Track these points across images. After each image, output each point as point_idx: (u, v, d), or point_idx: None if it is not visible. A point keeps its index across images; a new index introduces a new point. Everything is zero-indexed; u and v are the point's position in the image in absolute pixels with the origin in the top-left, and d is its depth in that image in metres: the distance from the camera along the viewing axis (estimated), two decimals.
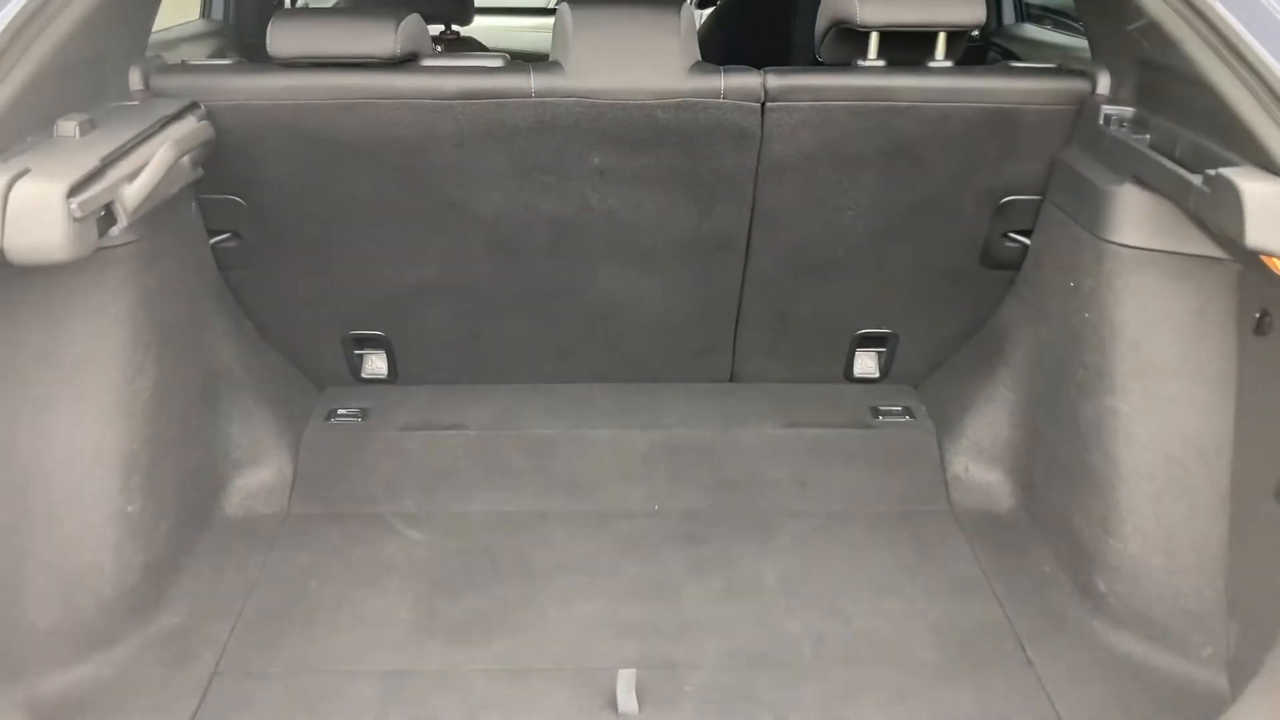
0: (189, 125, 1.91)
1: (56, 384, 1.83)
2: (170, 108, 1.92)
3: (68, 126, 1.69)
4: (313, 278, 2.35)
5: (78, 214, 1.50)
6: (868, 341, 2.55)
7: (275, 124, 2.05)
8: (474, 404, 2.53)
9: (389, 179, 2.14)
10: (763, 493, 2.34)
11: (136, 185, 1.65)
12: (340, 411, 2.51)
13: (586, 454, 2.41)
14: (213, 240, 2.24)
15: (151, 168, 1.67)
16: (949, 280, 2.39)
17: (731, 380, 2.63)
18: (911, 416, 2.51)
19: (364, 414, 2.50)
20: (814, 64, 2.22)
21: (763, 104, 2.06)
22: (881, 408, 2.54)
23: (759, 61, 2.18)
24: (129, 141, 1.71)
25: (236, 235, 2.26)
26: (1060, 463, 2.10)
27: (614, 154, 2.12)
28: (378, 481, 2.35)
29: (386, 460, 2.39)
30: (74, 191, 1.51)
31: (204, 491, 2.20)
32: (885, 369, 2.59)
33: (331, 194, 2.18)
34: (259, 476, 2.32)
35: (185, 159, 1.85)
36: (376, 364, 2.58)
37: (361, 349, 2.53)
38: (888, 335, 2.52)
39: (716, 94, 2.04)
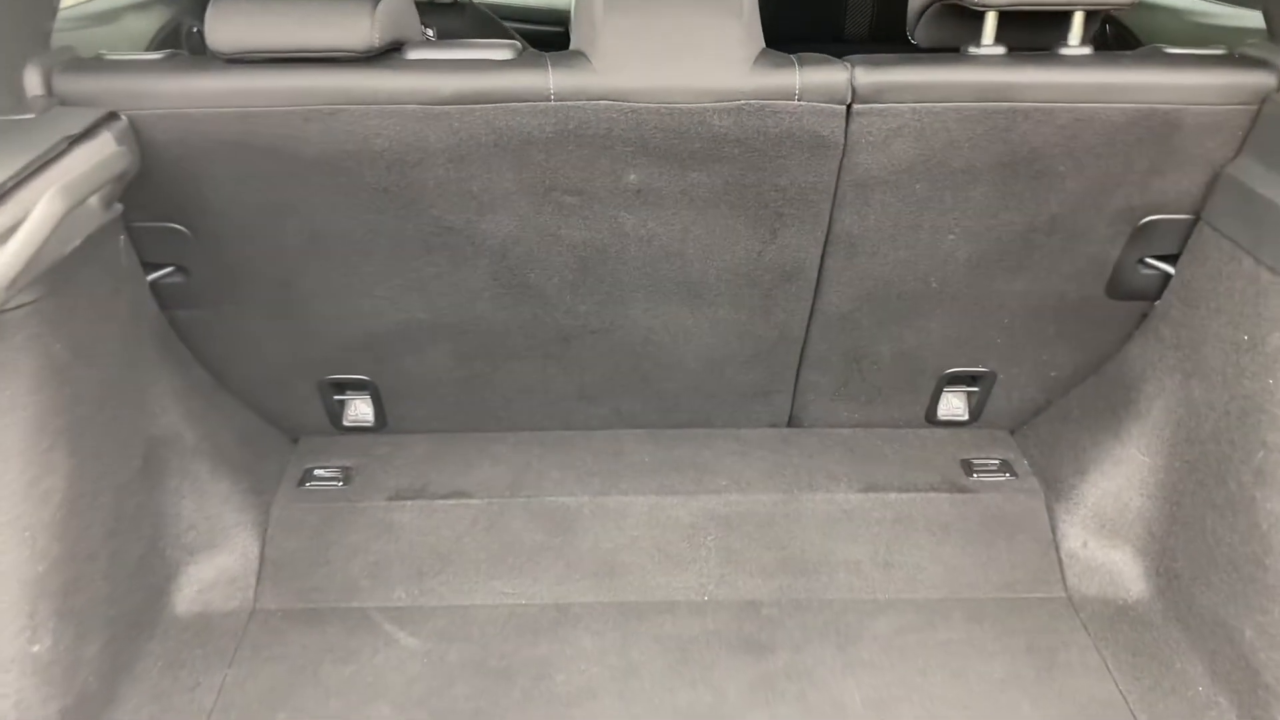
0: (100, 149, 1.44)
1: None
2: (78, 122, 1.45)
3: None
4: (278, 318, 1.90)
5: None
6: (957, 380, 2.10)
7: (220, 137, 1.59)
8: (478, 461, 2.09)
9: (367, 202, 1.69)
10: (837, 578, 1.91)
11: (8, 252, 1.19)
12: (318, 472, 2.07)
13: (617, 528, 1.97)
14: (151, 276, 1.79)
15: (29, 227, 1.21)
16: (1065, 312, 1.93)
17: (790, 425, 2.19)
18: (1012, 474, 2.06)
19: (346, 476, 2.06)
20: (876, 44, 1.75)
21: (849, 106, 1.60)
22: (975, 461, 2.10)
23: (806, 42, 1.71)
24: (6, 182, 1.26)
25: (181, 269, 1.81)
26: (1224, 558, 1.66)
27: (655, 170, 1.66)
28: (363, 566, 1.92)
29: (373, 539, 1.96)
30: None
31: (148, 592, 1.77)
32: (976, 411, 2.15)
33: (295, 220, 1.72)
34: (218, 564, 1.89)
35: (94, 199, 1.40)
36: (361, 410, 2.13)
37: (342, 394, 2.09)
38: (982, 375, 2.07)
39: (790, 94, 1.57)
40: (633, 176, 1.67)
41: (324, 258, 1.78)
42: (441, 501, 2.00)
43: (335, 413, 2.11)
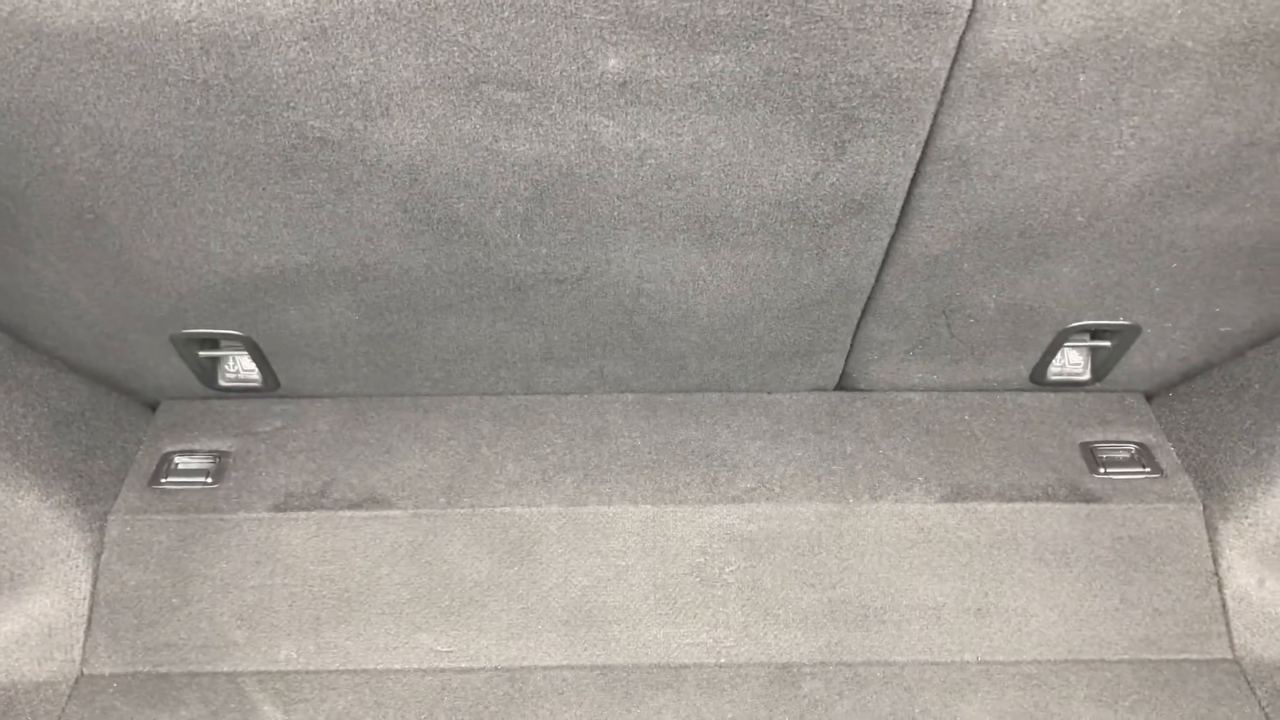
0: None
1: None
2: None
3: None
4: (86, 262, 1.27)
5: None
6: (1081, 335, 1.48)
7: None
8: (403, 445, 1.49)
9: (180, 102, 1.03)
10: (909, 631, 1.34)
11: None
12: (181, 462, 1.48)
13: (598, 553, 1.40)
14: None
15: None
16: (1265, 253, 1.29)
17: (841, 388, 1.57)
18: (1155, 469, 1.46)
19: (219, 467, 1.47)
20: None
21: None
22: (1100, 447, 1.50)
23: None
24: None
25: None
26: None
27: (651, 51, 0.99)
28: (235, 610, 1.36)
29: (252, 568, 1.38)
30: None
31: None
32: (1102, 370, 1.53)
33: (72, 129, 1.07)
34: (27, 612, 1.32)
35: None
36: (242, 367, 1.52)
37: (214, 348, 1.48)
38: (1120, 329, 1.44)
39: None
40: (613, 61, 1.01)
41: (133, 182, 1.14)
42: (349, 513, 1.41)
43: (205, 370, 1.50)
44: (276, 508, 1.42)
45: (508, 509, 1.42)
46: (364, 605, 1.36)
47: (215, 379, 1.52)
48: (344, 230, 1.22)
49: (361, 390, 1.54)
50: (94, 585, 1.36)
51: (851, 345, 1.47)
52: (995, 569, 1.38)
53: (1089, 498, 1.43)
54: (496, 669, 1.32)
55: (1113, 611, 1.36)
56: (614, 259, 1.27)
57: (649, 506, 1.42)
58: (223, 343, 1.47)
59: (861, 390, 1.56)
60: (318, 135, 1.08)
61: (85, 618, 1.34)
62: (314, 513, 1.41)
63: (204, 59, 0.99)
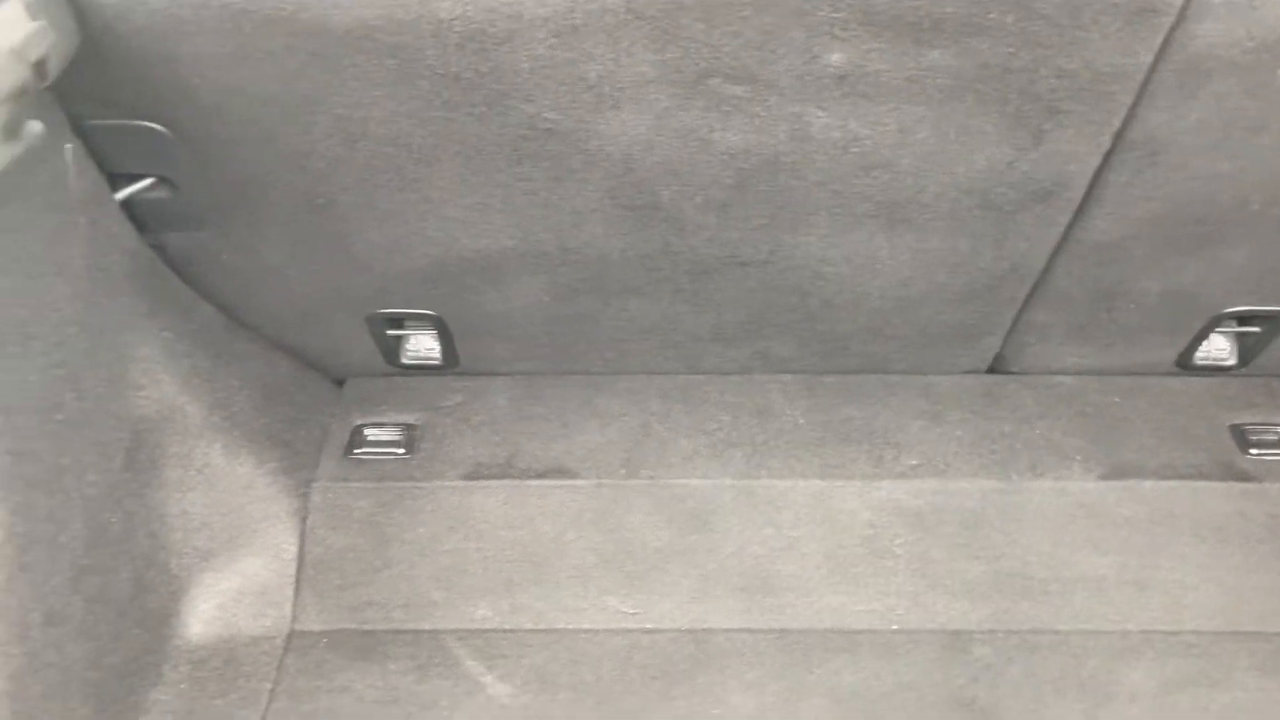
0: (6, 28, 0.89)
1: None
2: None
3: None
4: (310, 245, 1.36)
5: None
6: (1230, 321, 1.53)
7: (202, 2, 1.02)
8: (580, 419, 1.57)
9: (429, 94, 1.12)
10: (1073, 601, 1.41)
11: None
12: (372, 433, 1.57)
13: (771, 524, 1.47)
14: (122, 193, 1.25)
15: None
16: None
17: (993, 371, 1.64)
18: None
19: (409, 439, 1.56)
20: None
21: None
22: (1250, 429, 1.55)
23: None
24: None
25: (166, 181, 1.27)
26: None
27: (874, 46, 1.06)
28: (433, 572, 1.44)
29: (447, 533, 1.47)
30: None
31: (149, 623, 1.31)
32: (1248, 355, 1.58)
33: (323, 118, 1.16)
34: (242, 570, 1.42)
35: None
36: (424, 345, 1.61)
37: (399, 328, 1.57)
38: (1272, 315, 1.49)
39: None
40: (836, 56, 1.08)
41: (369, 169, 1.23)
42: (535, 482, 1.50)
43: (390, 348, 1.59)
44: (467, 476, 1.51)
45: (684, 481, 1.50)
46: (553, 569, 1.44)
47: (398, 356, 1.61)
48: (552, 216, 1.30)
49: (536, 368, 1.62)
50: (301, 548, 1.45)
51: (1010, 331, 1.54)
52: (1154, 544, 1.44)
53: (1243, 476, 1.48)
54: (681, 630, 1.40)
55: (1271, 586, 1.41)
56: (800, 243, 1.34)
57: (818, 481, 1.49)
58: (408, 322, 1.56)
59: (1013, 373, 1.63)
60: (547, 127, 1.16)
61: (293, 578, 1.44)
62: (503, 481, 1.50)
63: (459, 54, 1.08)
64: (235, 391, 1.44)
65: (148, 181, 1.26)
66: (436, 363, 1.62)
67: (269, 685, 1.35)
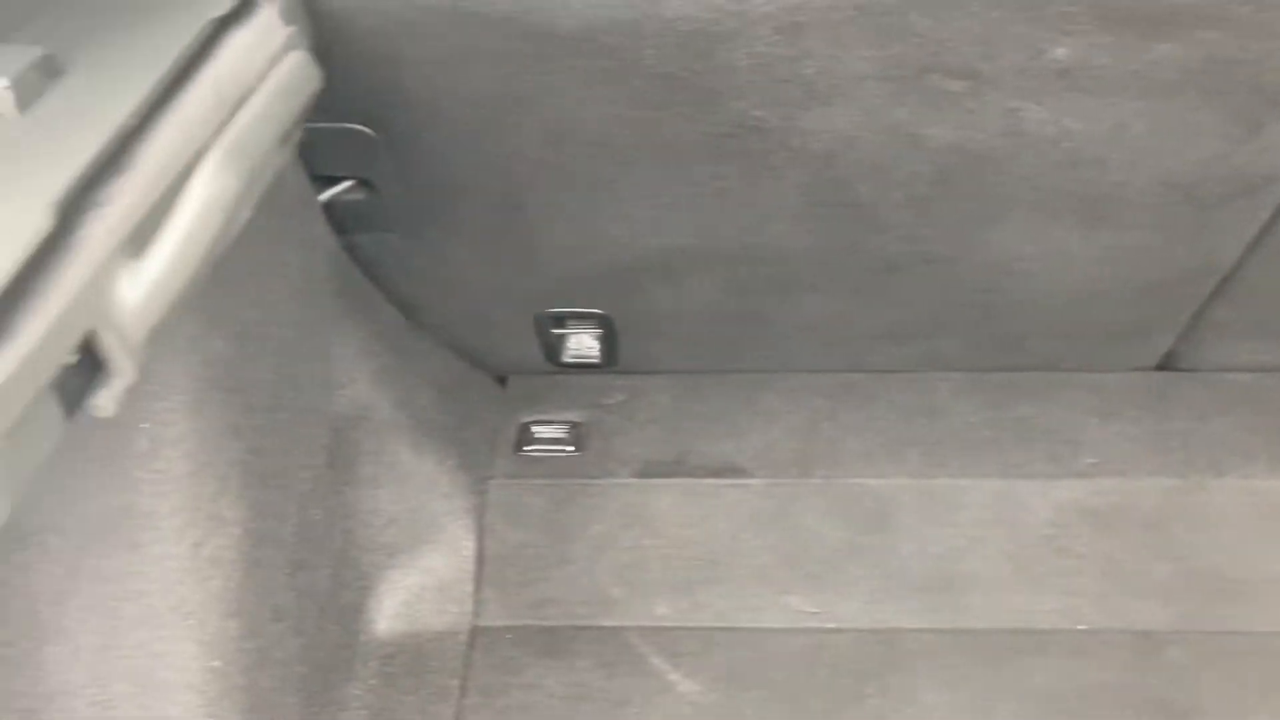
0: (263, 41, 0.90)
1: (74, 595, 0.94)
2: (220, 3, 0.90)
3: None
4: (493, 245, 1.37)
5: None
6: None
7: (433, 5, 1.03)
8: (745, 419, 1.57)
9: (641, 93, 1.12)
10: (1271, 600, 1.38)
11: (158, 267, 0.68)
12: (539, 431, 1.58)
13: (951, 524, 1.46)
14: (325, 195, 1.27)
15: (187, 227, 0.69)
16: None
17: (1161, 368, 1.61)
18: None
19: (576, 436, 1.57)
20: None
21: None
22: None
23: None
24: (128, 129, 0.73)
25: (364, 183, 1.28)
26: None
27: (1102, 40, 1.05)
28: (612, 569, 1.45)
29: (623, 530, 1.48)
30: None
31: (342, 618, 1.34)
32: None
33: (531, 119, 1.17)
34: (424, 566, 1.43)
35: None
36: (584, 344, 1.62)
37: (562, 326, 1.58)
38: None
39: None
40: (1061, 51, 1.07)
41: (566, 170, 1.24)
42: (709, 481, 1.50)
43: (552, 346, 1.60)
44: (639, 474, 1.51)
45: (859, 480, 1.49)
46: (731, 568, 1.44)
47: (559, 354, 1.62)
48: (740, 215, 1.30)
49: (697, 366, 1.63)
50: (479, 544, 1.46)
51: (1187, 327, 1.51)
52: None
53: None
54: (865, 630, 1.39)
55: None
56: (993, 239, 1.33)
57: (996, 480, 1.48)
58: (571, 320, 1.57)
59: (1183, 370, 1.60)
60: (754, 124, 1.16)
61: (473, 574, 1.45)
62: (676, 480, 1.50)
63: (679, 53, 1.08)
64: (417, 390, 1.45)
65: (348, 184, 1.28)
66: (596, 360, 1.62)
67: (457, 681, 1.37)
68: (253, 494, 1.06)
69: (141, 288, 0.67)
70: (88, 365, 0.65)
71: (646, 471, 1.52)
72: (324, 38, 1.05)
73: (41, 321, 0.59)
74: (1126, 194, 1.24)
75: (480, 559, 1.46)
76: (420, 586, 1.43)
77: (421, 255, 1.39)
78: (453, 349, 1.58)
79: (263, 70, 0.87)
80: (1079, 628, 1.38)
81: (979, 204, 1.26)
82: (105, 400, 0.67)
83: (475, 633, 1.41)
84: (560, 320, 1.57)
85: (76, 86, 0.75)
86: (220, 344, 0.99)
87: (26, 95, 0.72)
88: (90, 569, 0.93)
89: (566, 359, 1.64)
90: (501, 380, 1.67)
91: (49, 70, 0.75)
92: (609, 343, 1.59)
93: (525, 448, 1.56)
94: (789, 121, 1.16)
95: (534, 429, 1.58)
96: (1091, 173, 1.21)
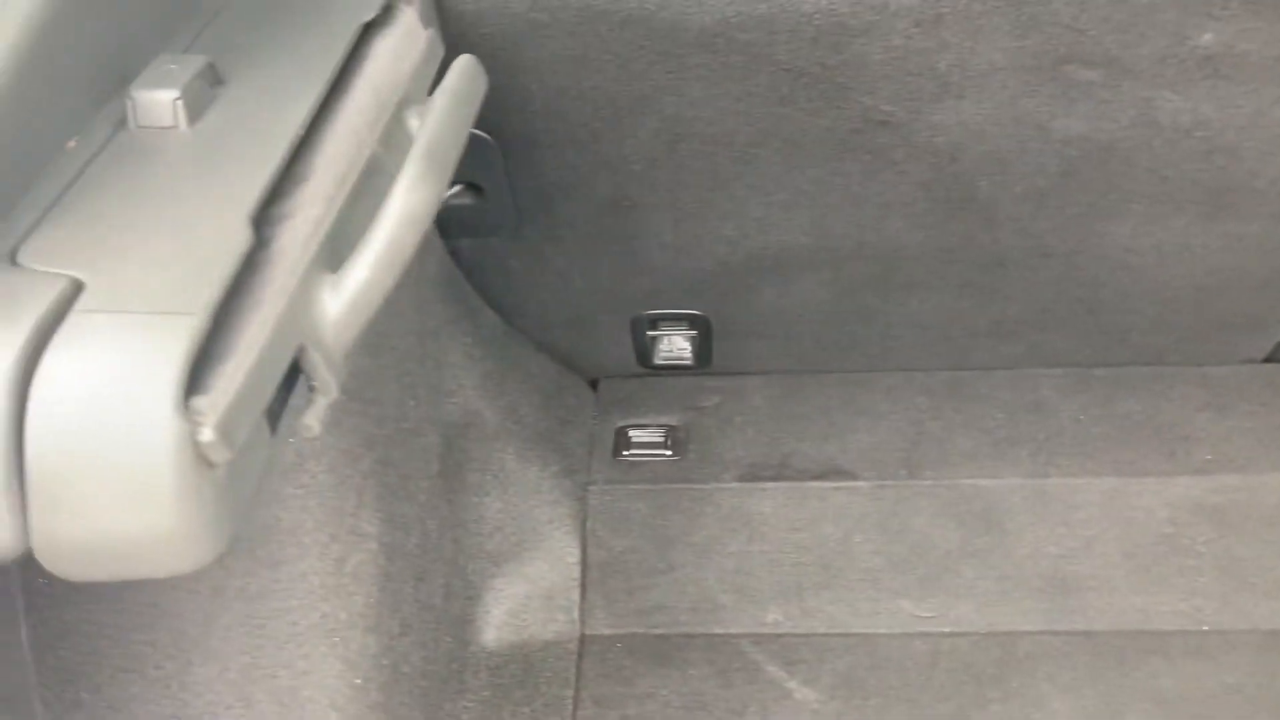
0: (418, 45, 0.88)
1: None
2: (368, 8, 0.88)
3: (155, 99, 0.69)
4: (600, 247, 1.35)
5: (212, 443, 0.54)
6: None
7: (562, 4, 1.01)
8: (846, 419, 1.54)
9: (768, 90, 1.10)
10: None
11: (359, 280, 0.66)
12: (636, 435, 1.56)
13: (1064, 524, 1.43)
14: None
15: (388, 231, 0.67)
16: None
17: (1269, 360, 1.58)
18: None
19: (674, 440, 1.54)
20: None
21: None
22: None
23: None
24: (300, 136, 0.71)
25: (473, 187, 1.26)
26: None
27: (1252, 25, 1.02)
28: (719, 575, 1.43)
29: (728, 536, 1.45)
30: (197, 386, 0.54)
31: (453, 628, 1.31)
32: None
33: (652, 119, 1.14)
34: (529, 575, 1.41)
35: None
36: (676, 345, 1.60)
37: (656, 329, 1.55)
38: None
39: None
40: (1208, 37, 1.04)
41: (681, 169, 1.21)
42: (815, 484, 1.48)
43: (644, 349, 1.58)
44: (742, 478, 1.49)
45: (969, 481, 1.46)
46: (841, 572, 1.42)
47: (652, 357, 1.60)
48: (856, 212, 1.27)
49: (793, 366, 1.60)
50: (583, 552, 1.44)
51: None
52: None
53: None
54: (982, 634, 1.36)
55: None
56: (1111, 232, 1.30)
57: (1111, 479, 1.44)
58: (663, 323, 1.55)
59: None
60: (882, 119, 1.14)
61: (578, 582, 1.43)
62: (780, 483, 1.48)
63: (812, 48, 1.05)
64: (520, 395, 1.43)
65: (458, 188, 1.26)
66: (688, 363, 1.60)
67: (570, 692, 1.34)
68: (386, 506, 1.04)
69: (342, 301, 0.65)
70: (286, 384, 0.63)
71: (749, 475, 1.49)
72: (449, 41, 1.03)
73: (256, 340, 0.57)
74: (1256, 184, 1.21)
75: (584, 566, 1.44)
76: (526, 595, 1.41)
77: (523, 257, 1.37)
78: (548, 353, 1.56)
79: (411, 74, 0.85)
80: (1202, 628, 1.35)
81: (1099, 196, 1.23)
82: (313, 420, 0.65)
83: (584, 641, 1.39)
84: (654, 322, 1.54)
85: (239, 96, 0.74)
86: (356, 354, 0.97)
87: (196, 107, 0.70)
88: (235, 588, 0.92)
89: (659, 361, 1.61)
90: (593, 384, 1.65)
91: (212, 79, 0.73)
92: (703, 344, 1.57)
93: (624, 453, 1.54)
94: (917, 116, 1.13)
95: (631, 433, 1.56)
96: (1222, 161, 1.18)
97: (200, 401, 0.53)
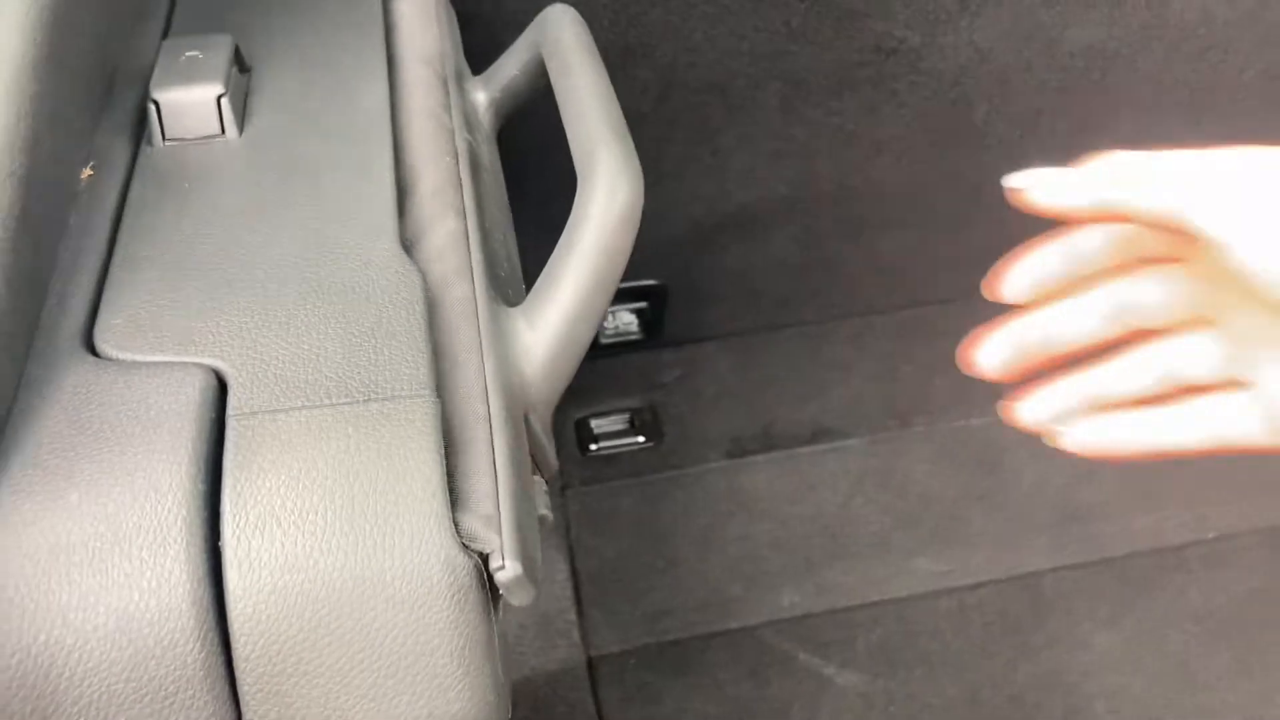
0: (433, 16, 0.69)
1: None
2: None
3: (190, 101, 0.49)
4: (557, 220, 1.19)
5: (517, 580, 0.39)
6: None
7: None
8: (821, 373, 1.44)
9: (777, 25, 0.97)
10: None
11: (559, 325, 0.51)
12: (600, 424, 1.41)
13: (1059, 453, 1.39)
14: None
15: (596, 240, 0.52)
16: None
17: None
18: None
19: (643, 423, 1.40)
20: None
21: None
22: None
23: None
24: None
25: None
26: None
27: None
28: (724, 564, 1.31)
29: (727, 519, 1.33)
30: (458, 500, 0.38)
31: None
32: None
33: (644, 70, 0.99)
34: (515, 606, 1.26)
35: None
36: (621, 321, 1.45)
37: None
38: None
39: None
40: None
41: (670, 125, 1.07)
42: (805, 449, 1.37)
43: None
44: (730, 455, 1.37)
45: (962, 423, 1.40)
46: (849, 539, 1.33)
47: (597, 338, 1.45)
48: (846, 153, 1.17)
49: (747, 326, 1.49)
50: (571, 564, 1.29)
51: None
52: None
53: None
54: (1002, 581, 1.30)
55: None
56: (1094, 145, 1.24)
57: None
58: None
59: None
60: (892, 45, 1.03)
61: (573, 599, 1.28)
62: (770, 454, 1.37)
63: None
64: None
65: None
66: (635, 337, 1.46)
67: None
68: None
69: (546, 344, 0.49)
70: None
71: (736, 451, 1.37)
72: None
73: (494, 416, 0.40)
74: (1245, 77, 1.17)
75: (575, 580, 1.29)
76: (518, 626, 1.25)
77: None
78: None
79: (453, 41, 0.67)
80: (1209, 535, 1.34)
81: (1089, 112, 1.17)
82: (545, 508, 0.48)
83: (594, 665, 1.25)
84: None
85: (278, 85, 0.55)
86: None
87: (241, 107, 0.51)
88: None
89: (604, 340, 1.47)
90: None
91: (239, 63, 0.54)
92: (653, 315, 1.43)
93: (591, 447, 1.39)
94: (928, 40, 1.03)
95: (593, 423, 1.41)
96: (1216, 59, 1.13)
97: (471, 521, 0.36)
